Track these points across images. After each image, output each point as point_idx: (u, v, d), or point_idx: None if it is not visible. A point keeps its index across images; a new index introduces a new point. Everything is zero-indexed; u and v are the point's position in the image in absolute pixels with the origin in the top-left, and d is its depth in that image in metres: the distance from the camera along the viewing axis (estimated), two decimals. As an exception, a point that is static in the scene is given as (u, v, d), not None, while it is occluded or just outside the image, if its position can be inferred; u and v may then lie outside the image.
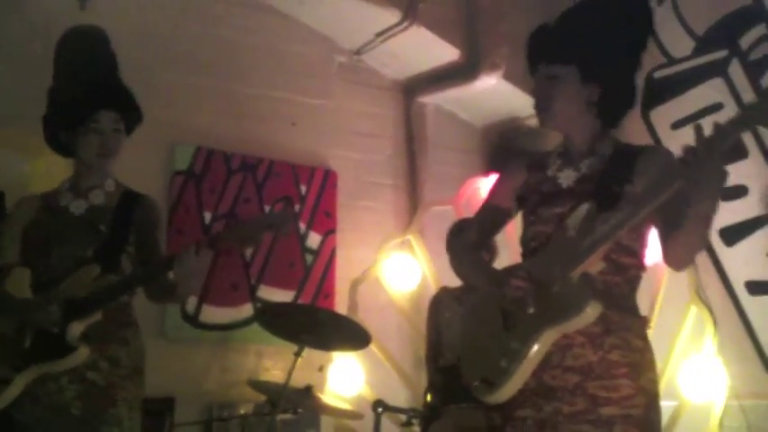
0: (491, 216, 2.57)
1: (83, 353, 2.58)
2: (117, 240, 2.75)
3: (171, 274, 2.65)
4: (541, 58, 2.43)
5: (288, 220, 2.65)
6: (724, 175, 2.00)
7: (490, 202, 2.57)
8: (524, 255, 2.41)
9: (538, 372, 2.23)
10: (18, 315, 2.65)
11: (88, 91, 2.83)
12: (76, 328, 2.58)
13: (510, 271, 2.33)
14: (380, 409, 3.03)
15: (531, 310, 2.21)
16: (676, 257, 2.24)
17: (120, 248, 2.74)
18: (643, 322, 2.31)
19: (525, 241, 2.41)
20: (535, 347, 2.19)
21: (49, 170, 3.10)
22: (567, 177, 2.39)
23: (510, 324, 2.27)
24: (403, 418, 3.37)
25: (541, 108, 2.41)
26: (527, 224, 2.42)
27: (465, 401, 3.19)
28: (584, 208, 2.23)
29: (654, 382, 2.24)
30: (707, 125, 2.04)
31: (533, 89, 2.44)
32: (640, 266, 2.31)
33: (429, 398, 3.40)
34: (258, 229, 2.54)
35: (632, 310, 2.29)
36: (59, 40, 2.94)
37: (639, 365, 2.21)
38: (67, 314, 2.59)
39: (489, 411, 2.38)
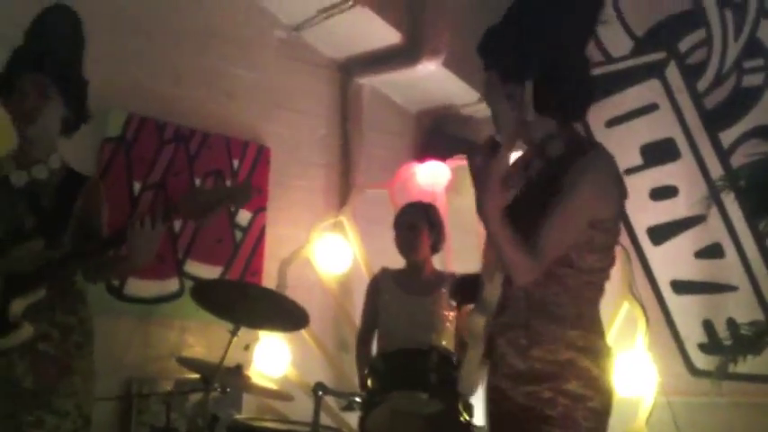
0: None
1: (26, 330, 2.49)
2: (60, 217, 2.65)
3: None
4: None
5: (248, 194, 2.56)
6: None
7: None
8: None
9: (494, 374, 2.30)
10: None
11: (22, 56, 2.78)
12: (19, 305, 2.48)
13: None
14: (320, 392, 2.97)
15: None
16: None
17: (63, 226, 2.65)
18: (583, 333, 2.21)
19: None
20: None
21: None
22: (519, 183, 2.35)
23: None
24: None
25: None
26: None
27: (407, 388, 3.16)
28: None
29: (587, 387, 2.18)
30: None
31: None
32: (580, 276, 2.20)
33: (370, 383, 3.36)
34: (216, 202, 2.47)
35: (567, 320, 2.21)
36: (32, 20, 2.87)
37: (566, 374, 2.18)
38: (9, 291, 2.48)
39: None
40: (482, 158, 2.04)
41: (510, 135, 2.16)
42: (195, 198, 2.50)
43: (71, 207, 2.69)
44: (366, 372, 3.38)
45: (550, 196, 2.16)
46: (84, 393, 2.59)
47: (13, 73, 2.74)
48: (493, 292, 2.22)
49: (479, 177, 2.04)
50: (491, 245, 2.20)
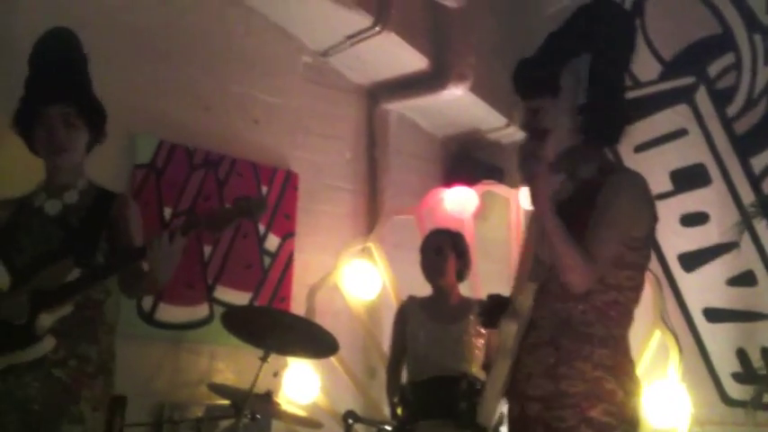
0: None
1: (49, 342, 2.52)
2: (90, 237, 2.69)
3: (145, 265, 2.63)
4: None
5: (262, 208, 2.65)
6: None
7: None
8: None
9: (519, 401, 2.25)
10: None
11: (39, 87, 2.80)
12: (45, 320, 2.52)
13: None
14: (351, 421, 2.96)
15: None
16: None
17: (93, 245, 2.68)
18: (612, 353, 2.22)
19: None
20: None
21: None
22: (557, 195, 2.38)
23: None
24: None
25: None
26: None
27: (436, 416, 3.15)
28: None
29: (611, 414, 2.16)
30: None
31: None
32: (608, 292, 2.22)
33: (400, 412, 3.34)
34: (232, 215, 2.56)
35: (596, 339, 2.21)
36: (33, 46, 2.89)
37: (592, 396, 2.16)
38: (36, 305, 2.52)
39: None
40: (532, 144, 2.10)
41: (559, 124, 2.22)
42: (213, 213, 2.63)
43: (101, 225, 2.72)
44: (396, 400, 3.37)
45: (584, 215, 2.18)
46: (91, 421, 2.59)
47: (33, 107, 2.78)
48: (524, 301, 2.21)
49: (527, 161, 2.10)
50: (548, 244, 2.18)
